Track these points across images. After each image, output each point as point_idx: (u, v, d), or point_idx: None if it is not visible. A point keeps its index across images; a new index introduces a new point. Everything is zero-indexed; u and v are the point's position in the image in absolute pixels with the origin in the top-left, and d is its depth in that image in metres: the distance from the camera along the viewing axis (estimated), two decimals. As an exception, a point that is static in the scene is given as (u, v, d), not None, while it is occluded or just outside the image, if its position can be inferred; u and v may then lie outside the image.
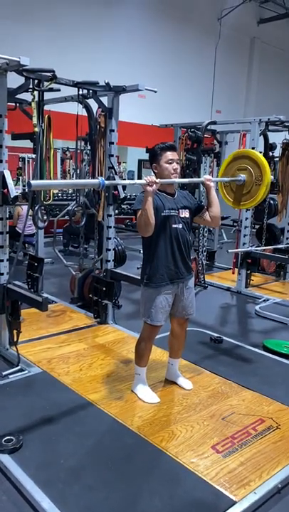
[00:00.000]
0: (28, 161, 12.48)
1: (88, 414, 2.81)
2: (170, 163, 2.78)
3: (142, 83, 3.78)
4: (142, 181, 2.57)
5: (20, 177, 11.50)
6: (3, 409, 2.81)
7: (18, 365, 3.40)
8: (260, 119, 5.32)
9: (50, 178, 4.59)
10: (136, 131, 9.90)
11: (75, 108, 4.19)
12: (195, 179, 2.93)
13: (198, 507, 2.08)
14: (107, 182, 2.56)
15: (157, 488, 2.19)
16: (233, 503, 2.10)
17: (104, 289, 4.23)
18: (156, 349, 3.68)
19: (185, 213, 2.89)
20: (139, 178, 14.60)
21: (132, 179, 14.55)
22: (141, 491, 2.17)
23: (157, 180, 2.58)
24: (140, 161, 14.15)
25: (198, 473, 2.30)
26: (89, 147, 4.76)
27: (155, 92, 3.91)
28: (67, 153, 12.70)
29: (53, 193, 4.46)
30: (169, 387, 3.19)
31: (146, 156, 12.57)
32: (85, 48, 9.76)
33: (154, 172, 2.86)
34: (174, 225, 2.83)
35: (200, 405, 2.97)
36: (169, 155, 2.78)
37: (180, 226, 2.85)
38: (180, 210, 2.87)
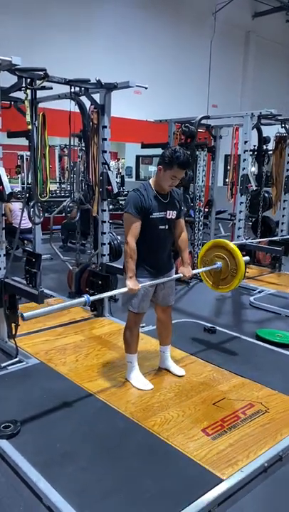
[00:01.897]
0: (27, 159, 12.57)
1: (84, 402, 2.91)
2: (173, 179, 2.83)
3: (132, 80, 3.87)
4: (125, 289, 2.84)
5: (20, 175, 11.61)
6: (2, 398, 2.92)
7: (16, 357, 3.50)
8: (252, 113, 5.39)
9: (46, 176, 4.68)
10: (133, 127, 9.96)
11: (68, 105, 4.27)
12: (175, 275, 3.15)
13: (188, 485, 2.18)
14: (91, 298, 2.71)
15: (149, 469, 2.30)
16: (221, 480, 2.20)
17: (100, 282, 4.33)
18: (150, 339, 3.80)
19: (172, 215, 2.98)
20: (137, 174, 14.68)
21: (130, 175, 14.68)
22: (133, 472, 2.27)
23: (136, 288, 2.81)
24: (138, 157, 14.22)
25: (188, 454, 2.40)
26: (83, 144, 4.84)
27: (146, 88, 3.99)
28: (65, 150, 12.79)
29: (49, 190, 4.52)
30: (162, 375, 3.29)
31: (144, 152, 12.61)
32: (79, 44, 9.81)
33: (157, 170, 2.89)
34: (161, 227, 2.93)
35: (192, 391, 3.07)
36: (177, 172, 2.79)
37: (166, 227, 2.96)
38: (168, 212, 2.95)
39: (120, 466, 2.32)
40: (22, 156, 12.15)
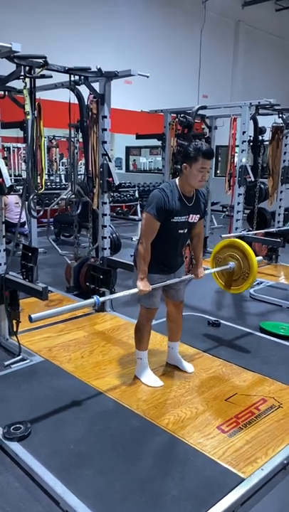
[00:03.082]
0: (14, 151, 12.36)
1: (94, 400, 2.84)
2: (201, 172, 2.66)
3: (134, 68, 3.76)
4: (135, 290, 2.78)
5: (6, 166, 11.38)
6: (9, 398, 2.83)
7: (19, 355, 3.41)
8: (250, 103, 5.32)
9: (42, 167, 4.57)
10: (123, 117, 9.82)
11: (61, 95, 4.14)
12: (186, 276, 3.11)
13: (209, 485, 2.13)
14: (101, 298, 2.66)
15: (168, 469, 2.24)
16: (242, 479, 2.16)
17: (101, 277, 4.24)
18: (155, 334, 3.72)
19: (195, 218, 2.86)
20: (127, 165, 14.54)
21: (120, 166, 14.54)
22: (152, 473, 2.21)
23: (147, 290, 2.76)
24: (128, 148, 14.08)
25: (206, 453, 2.35)
26: (80, 134, 4.71)
27: (147, 77, 3.88)
28: (53, 141, 12.58)
29: (44, 182, 4.42)
30: (170, 371, 3.23)
31: (133, 143, 12.46)
32: (69, 34, 9.62)
33: (182, 170, 2.74)
34: (180, 231, 2.83)
35: (203, 387, 3.02)
36: (204, 163, 2.64)
37: (185, 231, 2.87)
38: (191, 215, 2.82)
39: (138, 466, 2.26)
40: (9, 148, 11.94)
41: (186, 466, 2.27)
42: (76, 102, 4.11)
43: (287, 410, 2.76)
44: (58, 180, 12.02)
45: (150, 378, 3.04)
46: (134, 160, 14.55)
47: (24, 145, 10.25)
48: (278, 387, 3.03)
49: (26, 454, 2.31)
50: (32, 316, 2.39)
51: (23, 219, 6.04)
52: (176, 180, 2.80)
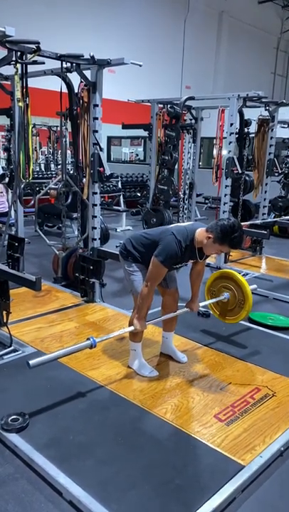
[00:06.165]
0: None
1: (90, 391, 2.83)
2: (218, 253, 2.88)
3: (127, 57, 3.72)
4: (131, 328, 2.87)
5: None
6: (5, 389, 2.80)
7: (11, 346, 3.37)
8: (238, 95, 5.34)
9: (30, 156, 4.48)
10: (104, 106, 9.70)
11: (45, 83, 4.05)
12: (181, 311, 3.24)
13: (211, 472, 2.16)
14: (97, 339, 2.64)
15: (169, 458, 2.26)
16: (242, 467, 2.19)
17: (91, 267, 4.22)
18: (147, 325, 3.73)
19: (190, 261, 3.01)
20: (108, 156, 14.39)
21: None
22: (154, 462, 2.23)
23: (144, 329, 2.91)
24: (109, 138, 13.91)
25: (205, 441, 2.38)
26: (69, 123, 4.64)
27: (140, 65, 3.86)
28: (32, 130, 12.36)
29: (32, 171, 4.33)
30: (164, 361, 3.25)
31: (115, 133, 12.36)
32: (46, 20, 9.42)
33: (207, 235, 2.69)
34: (175, 271, 3.11)
35: (197, 377, 3.05)
36: (226, 249, 2.74)
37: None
38: (190, 260, 2.96)
39: (139, 456, 2.27)
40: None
41: (187, 454, 2.30)
42: (62, 90, 4.04)
43: (282, 399, 2.82)
44: (37, 169, 11.84)
45: (145, 368, 3.05)
46: (133, 152, 14.41)
47: (3, 133, 10.10)
48: (271, 377, 3.09)
49: (26, 445, 2.29)
50: (30, 362, 2.38)
51: (7, 209, 5.95)
52: (197, 233, 2.75)
